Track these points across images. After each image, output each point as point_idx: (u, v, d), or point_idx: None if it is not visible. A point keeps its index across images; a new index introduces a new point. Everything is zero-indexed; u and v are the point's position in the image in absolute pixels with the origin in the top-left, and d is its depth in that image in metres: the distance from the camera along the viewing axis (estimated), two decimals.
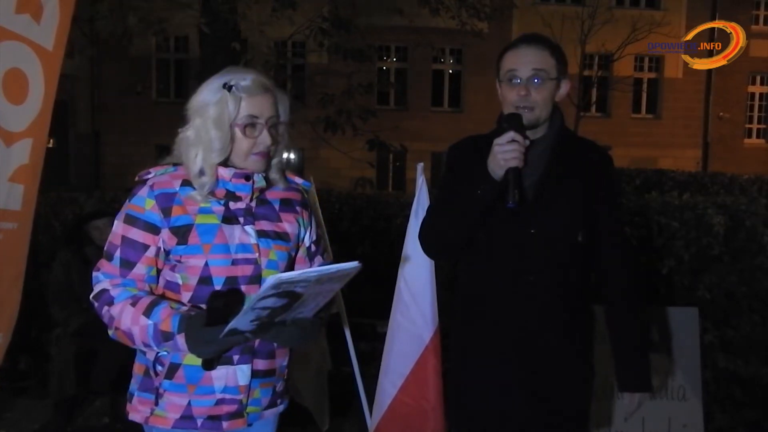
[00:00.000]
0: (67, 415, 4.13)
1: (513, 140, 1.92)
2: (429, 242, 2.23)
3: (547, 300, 2.08)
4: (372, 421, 2.91)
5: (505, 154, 1.92)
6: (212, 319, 1.67)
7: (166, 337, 1.72)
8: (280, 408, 2.02)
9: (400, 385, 2.81)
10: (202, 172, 1.83)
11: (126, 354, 1.93)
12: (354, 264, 1.61)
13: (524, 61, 2.04)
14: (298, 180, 2.07)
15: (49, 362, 4.20)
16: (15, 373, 4.62)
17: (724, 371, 4.10)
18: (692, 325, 3.70)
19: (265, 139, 1.85)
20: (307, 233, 2.03)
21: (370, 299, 4.17)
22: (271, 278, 1.52)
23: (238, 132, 1.84)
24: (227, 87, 1.82)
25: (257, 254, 1.85)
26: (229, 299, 1.68)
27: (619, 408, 3.51)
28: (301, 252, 2.03)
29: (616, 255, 2.19)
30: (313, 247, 2.06)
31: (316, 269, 1.58)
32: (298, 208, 2.01)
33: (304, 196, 2.08)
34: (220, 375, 1.82)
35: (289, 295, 1.59)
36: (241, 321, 1.62)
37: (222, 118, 1.81)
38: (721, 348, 4.15)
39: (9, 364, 2.70)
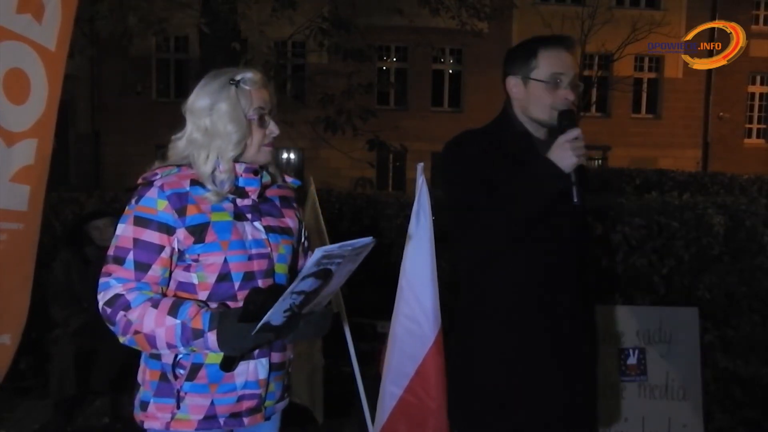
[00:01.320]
0: (67, 415, 4.12)
1: (577, 137, 1.95)
2: (482, 243, 2.10)
3: (574, 299, 2.09)
4: (376, 423, 2.91)
5: (577, 150, 1.93)
6: (246, 315, 1.68)
7: (196, 335, 1.71)
8: (286, 402, 2.04)
9: (406, 386, 2.81)
10: (215, 171, 1.85)
11: (126, 354, 1.92)
12: (370, 239, 1.64)
13: (570, 65, 2.06)
14: (288, 179, 2.09)
15: (49, 362, 4.20)
16: (15, 373, 4.60)
17: (724, 371, 4.10)
18: (692, 325, 3.71)
19: (274, 129, 1.90)
20: (303, 228, 2.10)
21: (370, 299, 4.17)
22: (317, 251, 1.55)
23: (253, 124, 1.87)
24: (234, 83, 1.85)
25: (269, 249, 1.89)
26: (267, 296, 1.68)
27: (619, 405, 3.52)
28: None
29: (587, 251, 2.27)
30: (306, 243, 2.12)
31: (351, 242, 1.60)
32: (294, 204, 2.07)
33: (296, 194, 2.12)
34: (241, 371, 1.84)
35: (324, 274, 1.62)
36: (276, 312, 1.64)
37: (237, 112, 1.84)
38: (721, 348, 4.15)
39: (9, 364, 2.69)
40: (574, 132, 1.94)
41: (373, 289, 4.00)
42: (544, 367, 2.07)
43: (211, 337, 1.70)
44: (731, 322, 4.23)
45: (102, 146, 16.78)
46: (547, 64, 2.05)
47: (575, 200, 1.94)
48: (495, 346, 2.13)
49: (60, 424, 4.07)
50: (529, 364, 2.08)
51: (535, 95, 2.07)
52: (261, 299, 1.68)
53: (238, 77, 1.85)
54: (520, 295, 2.08)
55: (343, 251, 1.59)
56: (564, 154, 1.94)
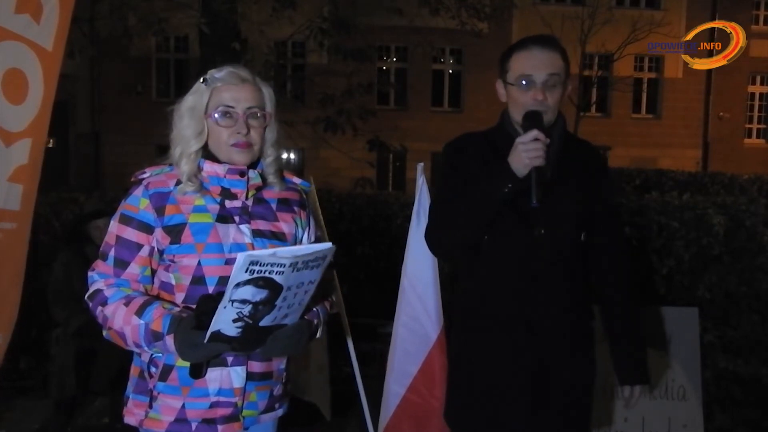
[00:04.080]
0: (67, 415, 4.12)
1: (536, 138, 1.92)
2: (439, 242, 2.20)
3: (553, 301, 2.08)
4: (380, 423, 2.91)
5: (529, 152, 1.91)
6: (202, 322, 1.64)
7: (156, 337, 1.70)
8: (279, 412, 1.98)
9: (409, 385, 2.81)
10: (186, 166, 1.85)
11: (126, 354, 1.93)
12: (327, 245, 1.60)
13: (540, 66, 2.02)
14: (297, 180, 2.04)
15: (49, 362, 4.21)
16: (15, 373, 4.62)
17: (724, 371, 4.11)
18: (692, 325, 3.70)
19: (240, 128, 1.84)
20: (306, 234, 2.00)
21: (370, 299, 4.17)
22: (240, 255, 1.49)
23: (212, 122, 1.85)
24: (203, 80, 1.87)
25: None
26: (217, 304, 1.62)
27: (619, 405, 3.51)
28: None
29: (616, 254, 2.22)
30: None
31: (289, 249, 1.56)
32: (295, 208, 1.98)
33: (303, 197, 2.05)
34: (215, 377, 1.80)
35: (267, 284, 1.55)
36: (223, 321, 1.59)
37: (194, 107, 1.86)
38: (721, 348, 4.15)
39: (9, 364, 2.69)
40: (530, 134, 1.92)
41: (373, 289, 4.01)
42: (505, 371, 2.08)
43: (169, 340, 1.69)
44: (731, 322, 4.24)
45: (102, 146, 16.78)
46: (516, 66, 2.06)
47: (533, 202, 1.92)
48: (467, 346, 2.19)
49: (60, 424, 4.07)
50: (493, 367, 2.10)
51: (511, 98, 2.09)
52: (211, 307, 1.62)
53: (208, 75, 1.87)
54: (490, 299, 2.11)
55: (279, 259, 1.51)
56: (515, 158, 1.94)
